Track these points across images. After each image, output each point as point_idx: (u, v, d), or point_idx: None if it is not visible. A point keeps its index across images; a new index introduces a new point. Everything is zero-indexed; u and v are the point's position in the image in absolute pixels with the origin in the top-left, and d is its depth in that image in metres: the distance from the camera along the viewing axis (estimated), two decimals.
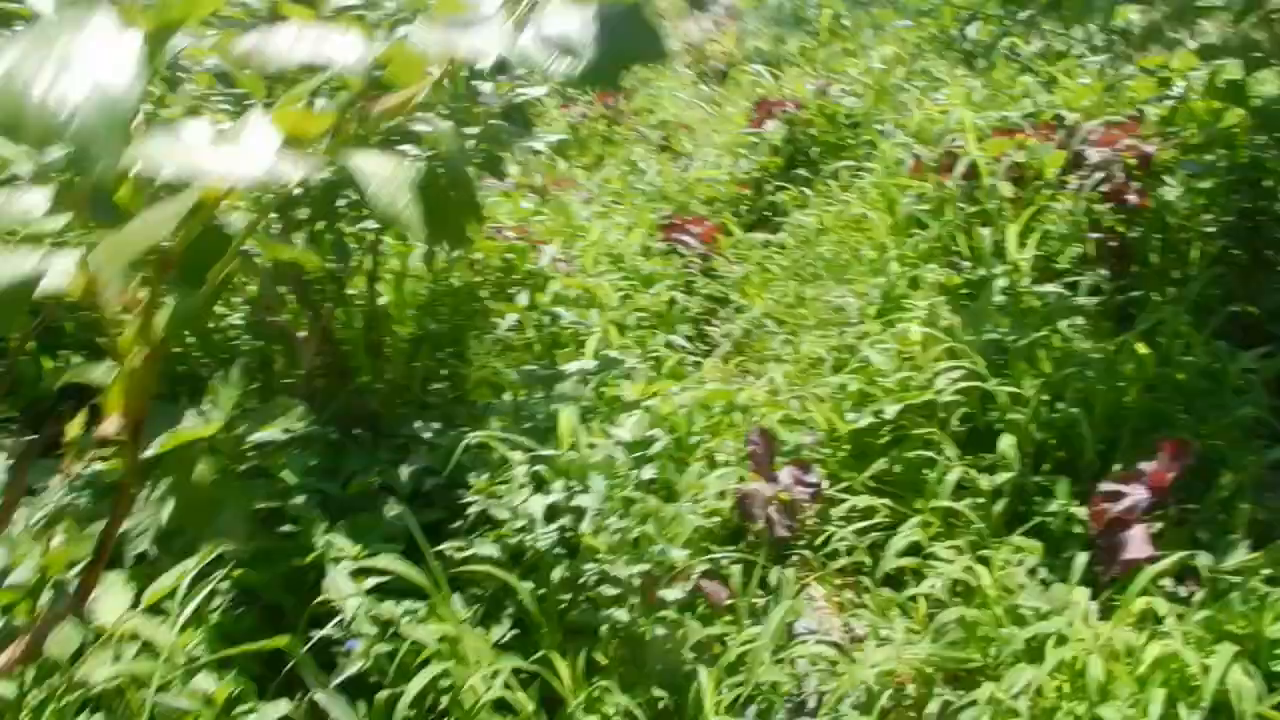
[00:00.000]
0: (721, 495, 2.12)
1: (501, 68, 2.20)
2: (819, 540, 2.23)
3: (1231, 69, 2.71)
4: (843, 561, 2.22)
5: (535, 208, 3.89)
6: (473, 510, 1.85)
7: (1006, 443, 2.17)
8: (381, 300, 2.65)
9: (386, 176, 0.72)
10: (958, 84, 3.44)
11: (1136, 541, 1.83)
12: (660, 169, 4.70)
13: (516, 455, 1.88)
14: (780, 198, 4.33)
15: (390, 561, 1.63)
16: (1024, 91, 3.46)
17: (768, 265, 3.92)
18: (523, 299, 2.91)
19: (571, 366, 2.37)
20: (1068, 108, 3.46)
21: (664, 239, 3.89)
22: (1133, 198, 3.00)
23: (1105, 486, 1.94)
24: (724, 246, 4.06)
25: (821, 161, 4.57)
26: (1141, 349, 2.24)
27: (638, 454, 2.01)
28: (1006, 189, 3.12)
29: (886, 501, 2.28)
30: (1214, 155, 2.92)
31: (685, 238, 3.86)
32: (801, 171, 4.52)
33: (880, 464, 2.37)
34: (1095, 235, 3.03)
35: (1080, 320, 2.66)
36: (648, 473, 1.94)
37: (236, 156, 0.54)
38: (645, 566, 1.72)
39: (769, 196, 4.50)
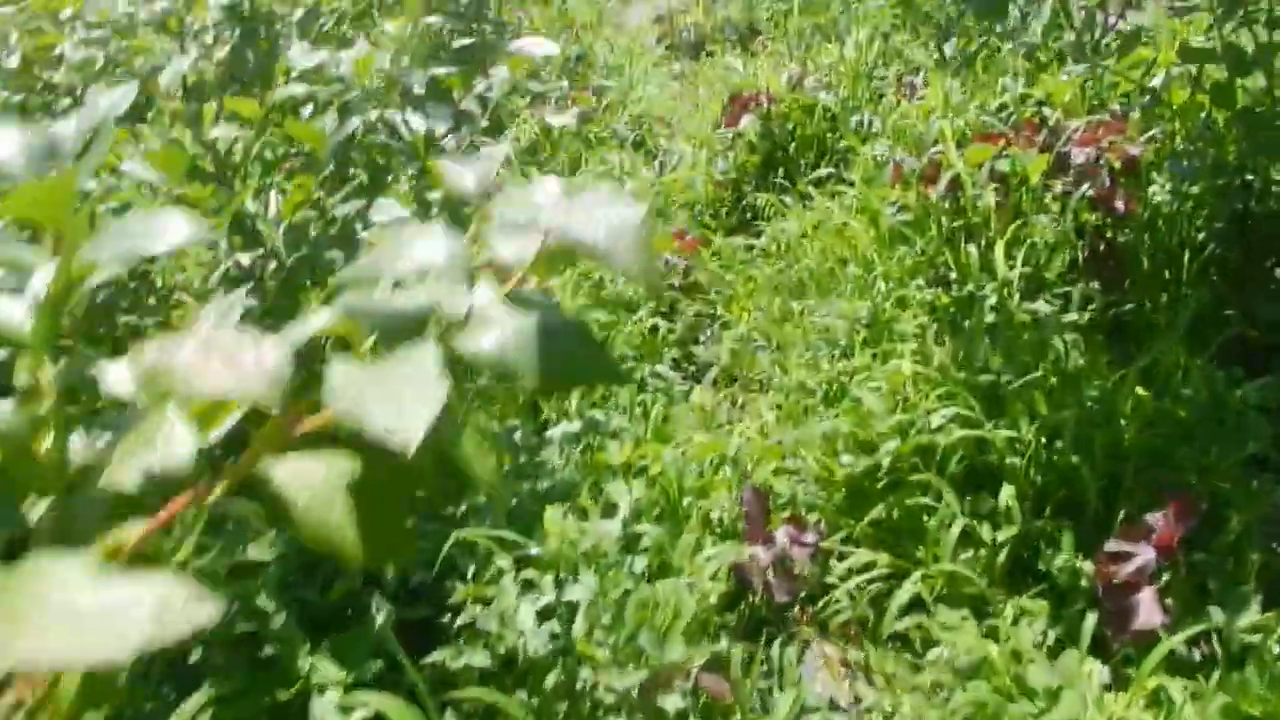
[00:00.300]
0: (716, 574, 2.06)
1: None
2: (820, 601, 2.18)
3: (1215, 70, 2.62)
4: (846, 616, 2.17)
5: None
6: (461, 619, 1.78)
7: (1006, 494, 2.11)
8: None
9: (317, 487, 0.64)
10: (936, 79, 3.34)
11: (1146, 606, 1.78)
12: (634, 176, 4.58)
13: (504, 561, 1.81)
14: (760, 199, 4.23)
15: (378, 700, 1.56)
16: (1003, 90, 3.36)
17: (751, 274, 3.84)
18: None
19: (555, 432, 2.29)
20: (1049, 104, 3.37)
21: None
22: (1120, 203, 2.92)
23: (1111, 546, 1.88)
24: (705, 258, 3.97)
25: (800, 156, 4.48)
26: (1140, 391, 2.18)
27: (628, 534, 1.95)
28: (990, 197, 3.03)
29: (885, 555, 2.22)
30: (1201, 155, 2.84)
31: (665, 255, 3.77)
32: (780, 170, 4.43)
33: (878, 510, 2.31)
34: (1085, 242, 2.96)
35: (1074, 338, 2.60)
36: (639, 564, 1.87)
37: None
38: (642, 674, 1.66)
39: (748, 198, 4.40)
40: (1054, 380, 2.28)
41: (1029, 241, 2.95)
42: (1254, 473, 2.07)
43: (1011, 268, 2.91)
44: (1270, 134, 2.58)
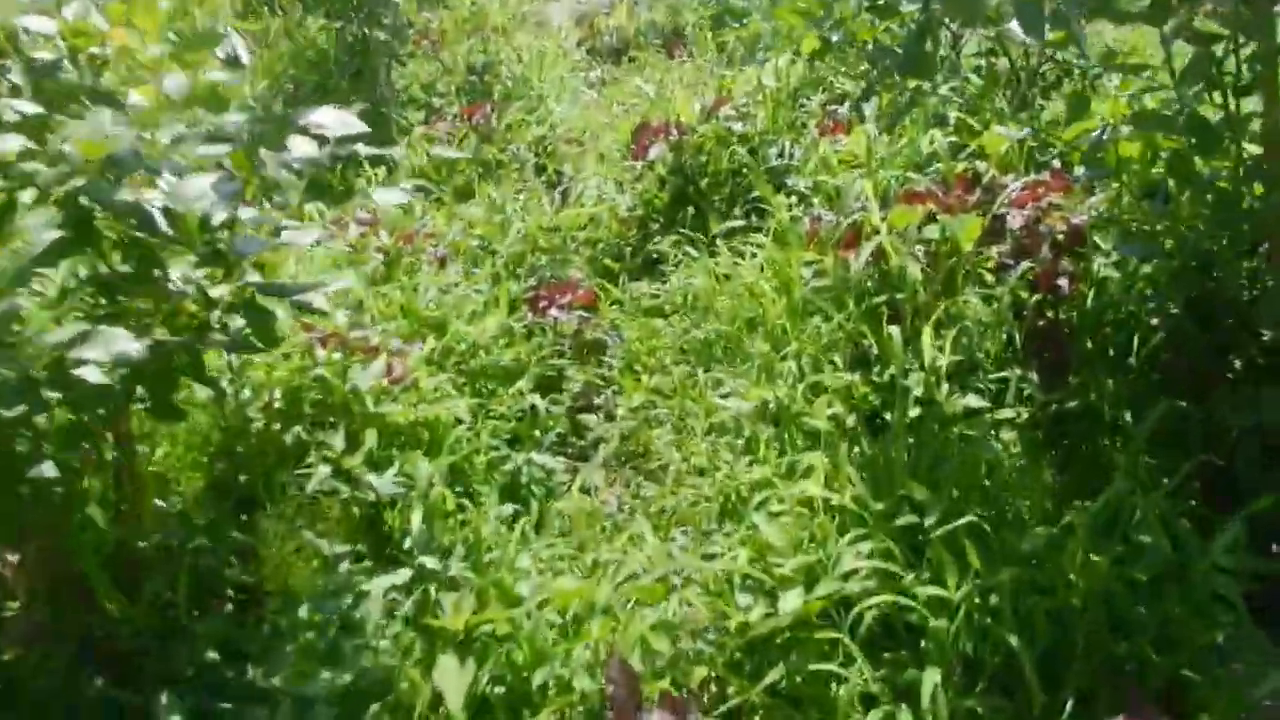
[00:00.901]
0: None
1: None
2: None
3: (1175, 139, 2.26)
4: None
5: (375, 280, 3.31)
6: None
7: (930, 677, 1.71)
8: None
9: None
10: (859, 133, 2.95)
11: None
12: (530, 213, 4.11)
13: None
14: (669, 241, 3.81)
15: None
16: (933, 141, 2.97)
17: (654, 329, 3.41)
18: (339, 440, 2.35)
19: (379, 583, 1.84)
20: (983, 155, 2.99)
21: (531, 312, 3.35)
22: (1063, 281, 2.56)
23: None
24: (604, 310, 3.53)
25: (714, 193, 4.06)
26: (1090, 546, 1.79)
27: None
28: (917, 269, 2.64)
29: None
30: (1152, 226, 2.49)
31: (556, 312, 3.32)
32: (692, 208, 4.00)
33: (777, 672, 1.90)
34: (1023, 323, 2.58)
35: (1012, 456, 2.23)
36: None
37: None
38: None
39: (655, 238, 3.97)
40: (989, 524, 1.89)
41: (960, 323, 2.57)
42: (1229, 656, 1.70)
43: (940, 349, 2.53)
44: (1238, 214, 2.23)
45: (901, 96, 2.12)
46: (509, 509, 2.45)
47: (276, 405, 2.41)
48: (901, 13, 2.01)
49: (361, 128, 1.74)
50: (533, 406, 2.85)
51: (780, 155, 4.12)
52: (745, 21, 5.82)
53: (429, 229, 3.86)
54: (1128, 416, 2.42)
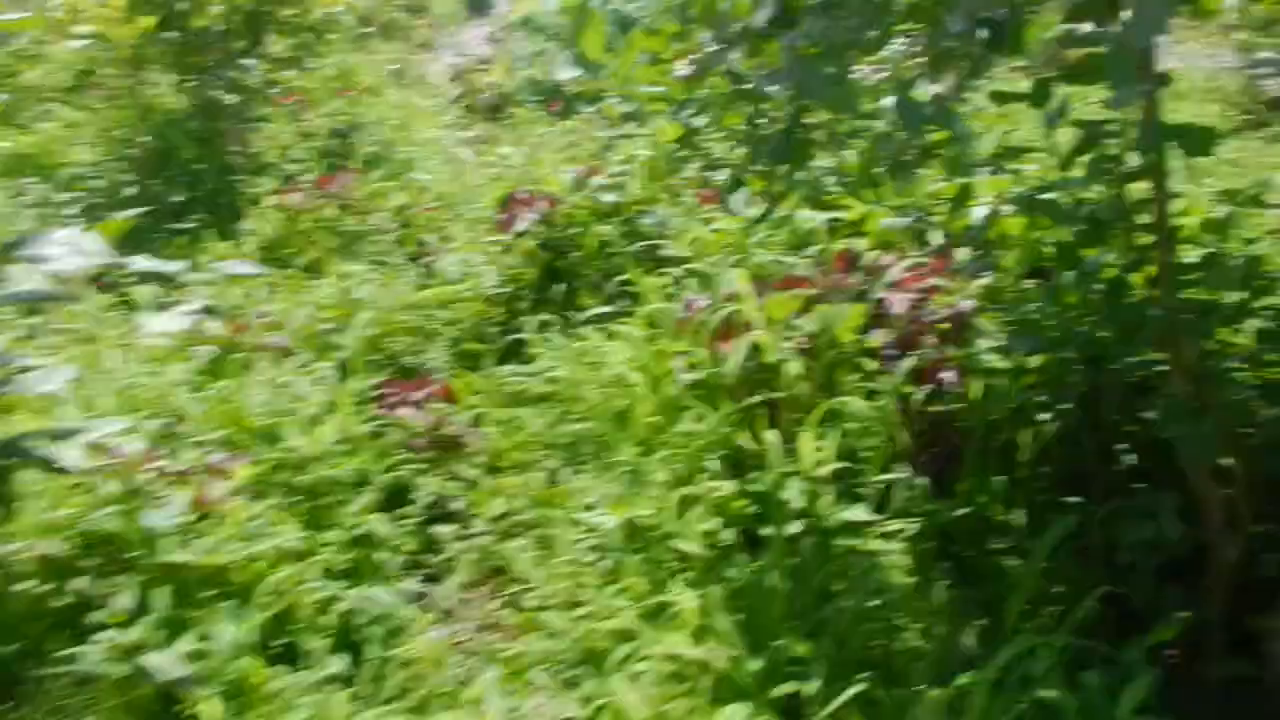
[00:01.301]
0: None
1: None
2: None
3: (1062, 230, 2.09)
4: None
5: (198, 384, 2.93)
6: None
7: None
8: None
9: None
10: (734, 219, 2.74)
11: None
12: (388, 291, 3.79)
13: None
14: (536, 322, 3.53)
15: None
16: (810, 221, 2.77)
17: (520, 422, 3.11)
18: (127, 599, 1.98)
19: None
20: (863, 232, 2.81)
21: (379, 410, 3.02)
22: (949, 374, 2.36)
23: None
24: (463, 400, 3.22)
25: (585, 268, 3.80)
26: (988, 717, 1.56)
27: None
28: (796, 365, 2.42)
29: None
30: (1042, 318, 2.32)
31: (407, 410, 2.99)
32: (562, 285, 3.74)
33: None
34: (909, 421, 2.38)
35: (900, 566, 2.01)
36: None
37: None
38: None
39: (524, 316, 3.68)
40: (879, 682, 1.64)
41: (843, 423, 2.35)
42: None
43: (820, 451, 2.30)
44: (1127, 307, 2.06)
45: (773, 184, 1.90)
46: (340, 663, 2.10)
47: (53, 556, 2.02)
48: (770, 100, 1.79)
49: (101, 250, 1.41)
50: (368, 536, 2.50)
51: (657, 223, 3.91)
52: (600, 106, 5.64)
53: (270, 315, 3.50)
54: (1022, 519, 2.24)
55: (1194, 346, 1.94)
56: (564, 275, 3.78)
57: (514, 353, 3.63)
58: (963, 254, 2.52)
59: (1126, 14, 1.37)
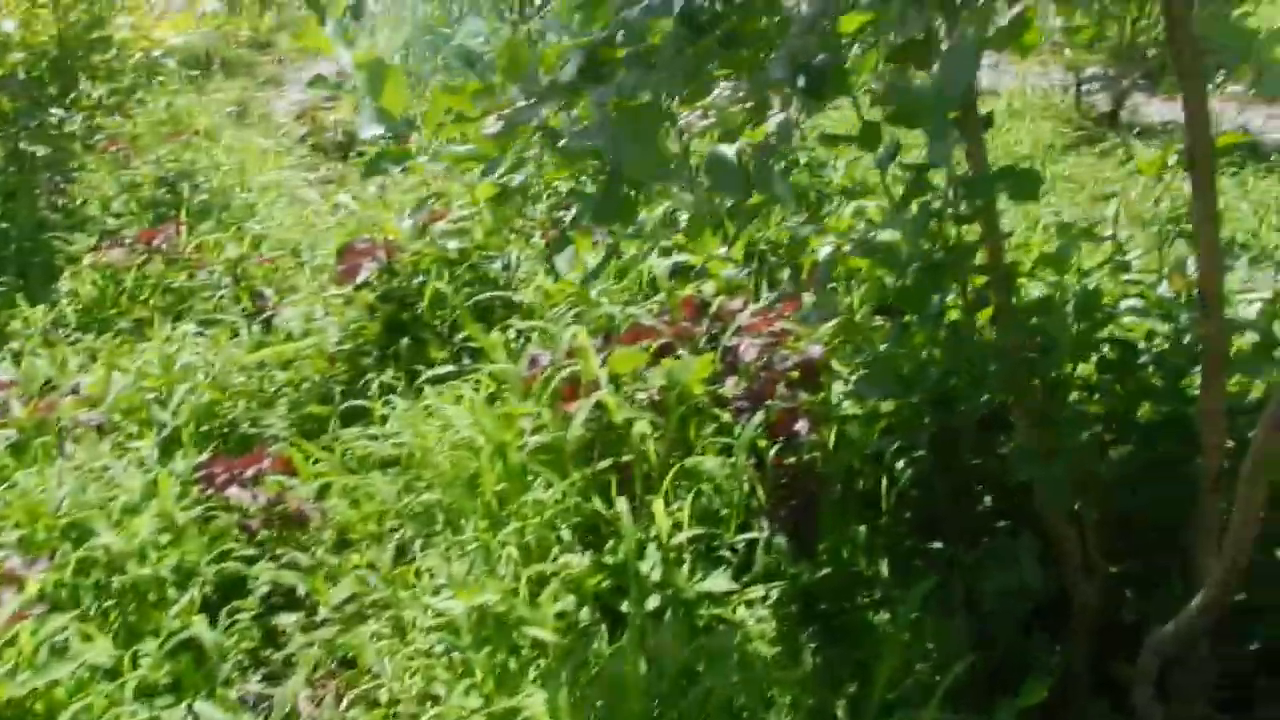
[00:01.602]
0: None
1: None
2: None
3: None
4: None
5: None
6: None
7: None
8: None
9: None
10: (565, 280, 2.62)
11: None
12: (220, 353, 3.52)
13: None
14: (382, 380, 3.32)
15: None
16: (652, 268, 2.67)
17: (367, 490, 2.90)
18: None
19: None
20: (710, 276, 2.73)
21: (206, 492, 2.77)
22: (802, 425, 2.29)
23: None
24: (305, 472, 2.99)
25: (431, 318, 3.62)
26: None
27: None
28: (645, 424, 2.30)
29: None
30: (892, 358, 2.27)
31: (236, 489, 2.76)
32: (408, 338, 3.54)
33: None
34: (765, 477, 2.29)
35: (765, 635, 1.91)
36: None
37: None
38: None
39: (369, 374, 3.47)
40: None
41: (697, 483, 2.25)
42: None
43: (674, 518, 2.19)
44: (971, 348, 2.02)
45: (600, 243, 1.78)
46: None
47: None
48: (587, 161, 1.68)
49: None
50: (191, 642, 2.26)
51: (505, 267, 3.76)
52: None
53: (84, 389, 3.20)
54: (885, 571, 2.18)
55: (1034, 388, 1.90)
56: (409, 328, 3.59)
57: (360, 414, 3.42)
58: (809, 298, 2.46)
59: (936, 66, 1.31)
